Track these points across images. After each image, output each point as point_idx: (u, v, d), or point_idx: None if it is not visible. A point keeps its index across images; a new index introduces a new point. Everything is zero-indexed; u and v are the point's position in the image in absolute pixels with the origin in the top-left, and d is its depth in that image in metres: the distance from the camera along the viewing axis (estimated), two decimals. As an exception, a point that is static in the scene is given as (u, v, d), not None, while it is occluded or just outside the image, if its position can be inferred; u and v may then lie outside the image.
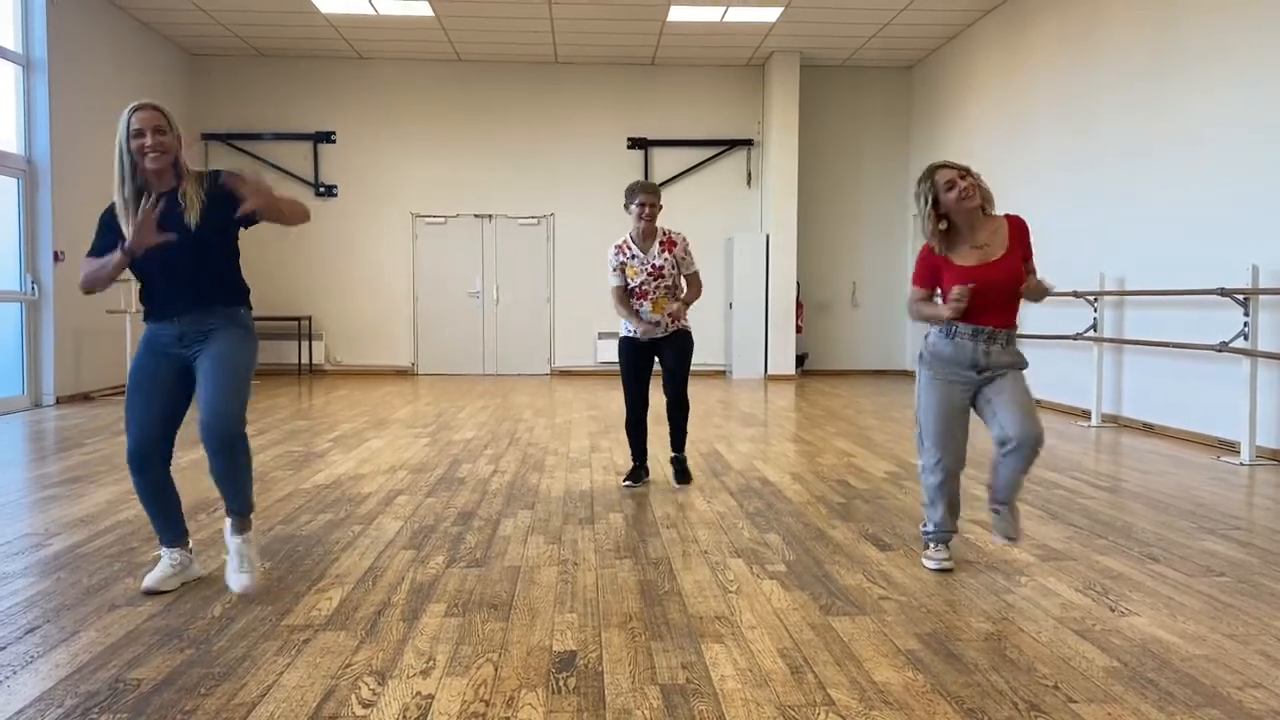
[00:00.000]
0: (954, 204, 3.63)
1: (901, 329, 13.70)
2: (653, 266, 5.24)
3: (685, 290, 5.41)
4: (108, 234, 3.38)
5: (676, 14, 10.88)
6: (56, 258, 9.43)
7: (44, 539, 4.25)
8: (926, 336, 3.82)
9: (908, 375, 13.41)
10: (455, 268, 13.31)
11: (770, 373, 12.79)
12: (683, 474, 5.52)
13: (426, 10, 10.81)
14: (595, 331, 13.16)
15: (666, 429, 5.53)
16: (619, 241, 5.32)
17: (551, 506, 4.96)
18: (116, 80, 10.63)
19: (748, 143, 13.25)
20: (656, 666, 2.80)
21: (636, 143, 13.26)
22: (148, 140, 3.28)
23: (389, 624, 3.16)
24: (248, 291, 3.57)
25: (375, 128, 13.12)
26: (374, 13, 10.88)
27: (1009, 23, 10.45)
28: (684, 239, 5.35)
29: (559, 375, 13.25)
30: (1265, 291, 6.27)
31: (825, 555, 4.03)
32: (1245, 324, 6.40)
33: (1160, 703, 2.57)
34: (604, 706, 2.53)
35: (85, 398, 9.88)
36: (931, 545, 3.88)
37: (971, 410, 3.78)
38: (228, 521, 3.49)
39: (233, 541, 3.47)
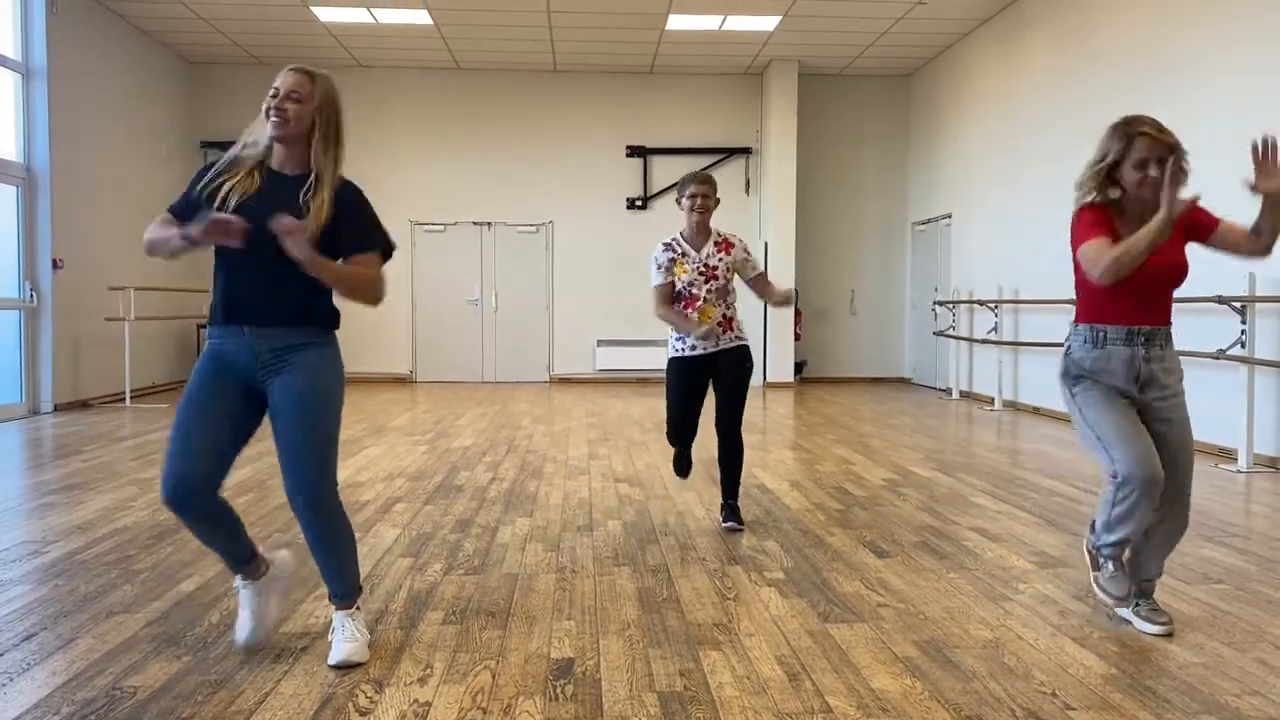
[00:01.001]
0: (1134, 188, 3.03)
1: (900, 336, 13.72)
2: (705, 265, 4.60)
3: (768, 289, 4.74)
4: (190, 193, 2.88)
5: (675, 22, 10.90)
6: (55, 265, 9.44)
7: (41, 546, 4.24)
8: (1068, 350, 3.21)
9: (906, 383, 13.42)
10: (454, 275, 13.31)
11: (769, 380, 12.78)
12: (734, 517, 4.67)
13: (426, 19, 10.83)
14: (594, 339, 13.15)
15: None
16: (668, 239, 4.70)
17: (550, 514, 4.96)
18: (116, 88, 10.64)
19: (746, 151, 13.27)
20: (654, 674, 2.80)
21: (635, 150, 13.27)
22: (275, 101, 2.90)
23: (387, 631, 3.16)
24: (338, 315, 3.05)
25: (374, 135, 13.12)
26: (373, 21, 10.90)
27: (1006, 32, 10.49)
28: (742, 241, 4.75)
29: (557, 383, 13.24)
30: (1262, 299, 6.28)
31: (823, 562, 4.03)
32: (1242, 331, 6.40)
33: (1158, 710, 2.56)
34: (601, 714, 2.53)
35: (83, 405, 9.88)
36: (1109, 563, 3.16)
37: None
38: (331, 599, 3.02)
39: (337, 615, 2.95)
